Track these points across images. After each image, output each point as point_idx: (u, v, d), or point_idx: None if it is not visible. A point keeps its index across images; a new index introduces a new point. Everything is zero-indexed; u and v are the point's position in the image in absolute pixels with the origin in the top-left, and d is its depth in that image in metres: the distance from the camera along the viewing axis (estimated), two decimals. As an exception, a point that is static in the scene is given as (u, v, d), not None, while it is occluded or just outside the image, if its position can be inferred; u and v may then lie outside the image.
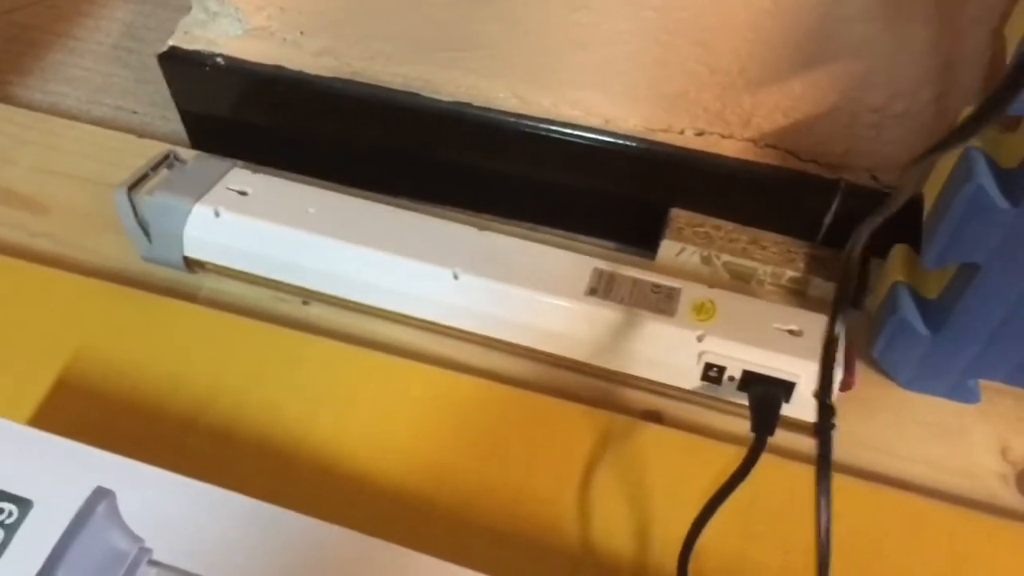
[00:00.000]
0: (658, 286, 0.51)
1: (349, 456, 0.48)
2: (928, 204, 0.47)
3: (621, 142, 0.57)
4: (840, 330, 0.41)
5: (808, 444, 0.50)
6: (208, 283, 0.57)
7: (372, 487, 0.47)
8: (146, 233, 0.55)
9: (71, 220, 0.61)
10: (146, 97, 0.72)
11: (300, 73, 0.60)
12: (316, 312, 0.56)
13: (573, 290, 0.51)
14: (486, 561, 0.39)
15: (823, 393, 0.41)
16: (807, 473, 0.46)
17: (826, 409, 0.41)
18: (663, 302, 0.50)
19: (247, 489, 0.44)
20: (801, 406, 0.48)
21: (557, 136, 0.58)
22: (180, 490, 0.41)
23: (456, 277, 0.51)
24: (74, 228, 0.60)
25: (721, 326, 0.49)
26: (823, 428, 0.41)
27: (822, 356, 0.41)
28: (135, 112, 0.71)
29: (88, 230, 0.60)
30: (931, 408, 0.52)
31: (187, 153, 0.59)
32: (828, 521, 0.40)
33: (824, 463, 0.40)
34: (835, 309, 0.41)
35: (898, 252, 0.52)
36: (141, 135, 0.66)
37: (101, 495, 0.39)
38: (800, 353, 0.47)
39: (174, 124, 0.67)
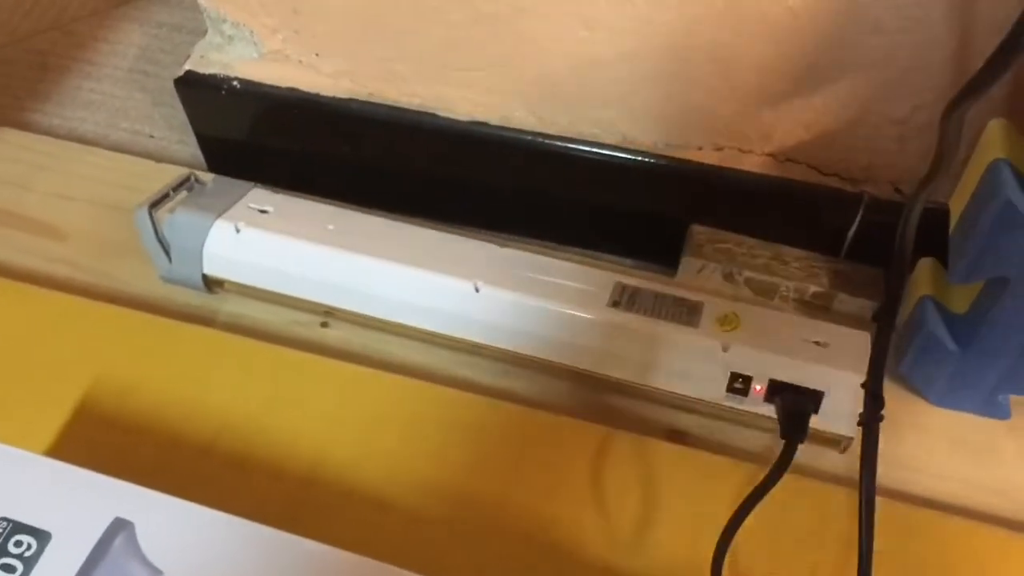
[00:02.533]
0: (680, 299, 0.51)
1: (367, 481, 0.48)
2: (954, 217, 0.46)
3: (639, 159, 0.56)
4: (896, 319, 0.39)
5: (837, 463, 0.49)
6: (226, 307, 0.57)
7: (391, 513, 0.46)
8: (166, 252, 0.55)
9: (89, 246, 0.61)
10: (163, 121, 0.72)
11: (316, 95, 0.60)
12: (334, 335, 0.56)
13: (595, 302, 0.50)
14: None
15: (873, 381, 0.39)
16: (836, 493, 0.47)
17: (875, 399, 0.39)
18: (687, 314, 0.50)
19: (264, 515, 0.43)
20: (830, 418, 0.47)
21: (575, 154, 0.57)
22: (200, 520, 0.40)
23: (477, 290, 0.51)
24: (92, 254, 0.60)
25: (746, 336, 0.48)
26: (870, 419, 0.39)
27: (875, 339, 0.39)
28: (152, 136, 0.71)
29: (106, 256, 0.60)
30: (961, 425, 0.51)
31: (207, 176, 0.58)
32: (870, 514, 0.39)
33: (869, 458, 0.38)
34: (890, 297, 0.38)
35: (924, 266, 0.51)
36: (159, 160, 0.66)
37: (120, 526, 0.39)
38: (829, 363, 0.47)
39: (192, 148, 0.67)
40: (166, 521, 0.40)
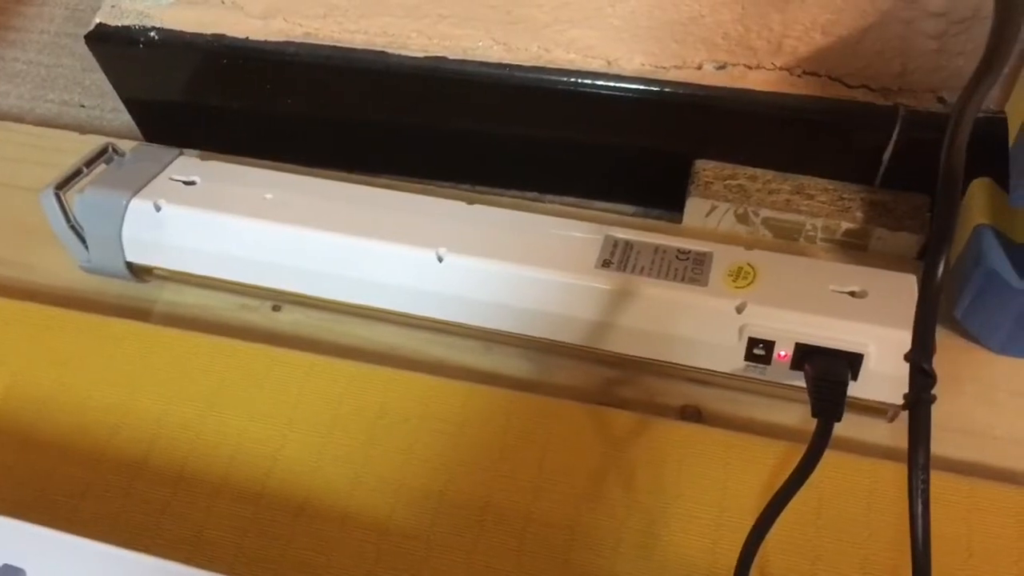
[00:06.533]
0: (684, 251, 0.45)
1: (326, 490, 0.43)
2: (1014, 127, 0.42)
3: (628, 86, 0.51)
4: (944, 265, 0.31)
5: (882, 432, 0.44)
6: (165, 295, 0.52)
7: (354, 526, 0.42)
8: (81, 239, 0.50)
9: (7, 235, 0.55)
10: (95, 87, 0.66)
11: (246, 41, 0.54)
12: (288, 318, 0.51)
13: (582, 263, 0.44)
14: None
15: (920, 353, 0.31)
16: (884, 470, 0.41)
17: (924, 376, 0.32)
18: (692, 270, 0.44)
19: (205, 535, 0.41)
20: (871, 384, 0.41)
21: (551, 87, 0.51)
22: (107, 564, 0.36)
23: (440, 259, 0.45)
24: (11, 244, 0.55)
25: (764, 292, 0.43)
26: (919, 400, 0.31)
27: (920, 303, 0.32)
28: (82, 106, 0.66)
29: (27, 245, 0.55)
30: None
31: (130, 146, 0.52)
32: (926, 528, 0.32)
33: (919, 447, 0.30)
34: (938, 237, 0.30)
35: (978, 188, 0.46)
36: (88, 131, 0.61)
37: (9, 575, 0.35)
38: (867, 318, 0.41)
39: (125, 116, 0.62)
40: (66, 566, 0.36)
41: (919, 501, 0.29)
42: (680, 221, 0.53)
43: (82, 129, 0.62)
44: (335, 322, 0.49)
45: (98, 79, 0.65)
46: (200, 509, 0.42)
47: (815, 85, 0.49)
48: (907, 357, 0.31)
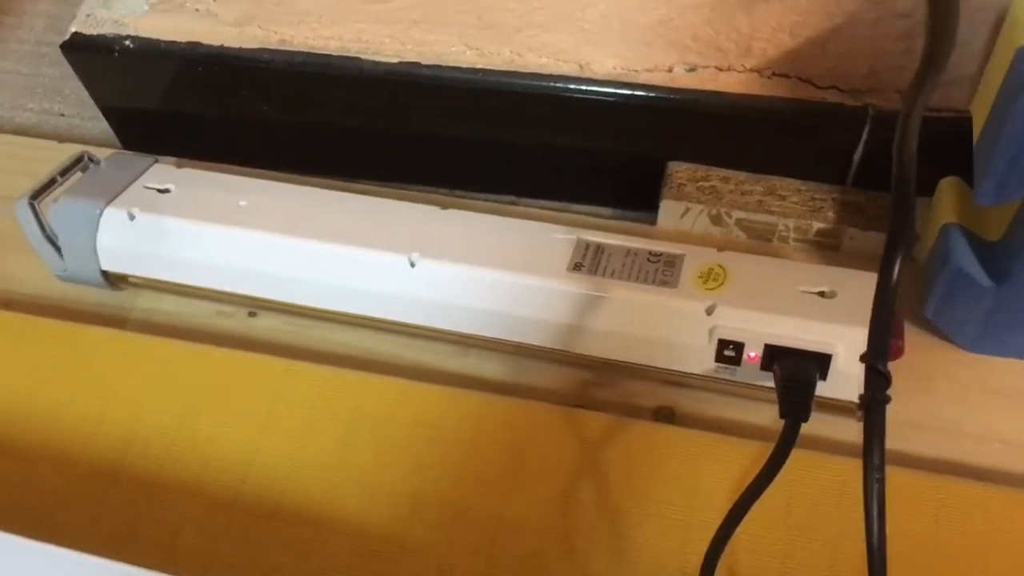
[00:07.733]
0: (656, 254, 0.45)
1: (300, 495, 0.43)
2: (978, 125, 0.41)
3: (600, 89, 0.51)
4: (900, 267, 0.31)
5: (852, 431, 0.43)
6: (141, 303, 0.52)
7: (328, 530, 0.42)
8: (56, 248, 0.49)
9: None
10: (74, 96, 0.66)
11: (221, 48, 0.54)
12: (264, 324, 0.51)
13: (553, 267, 0.44)
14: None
15: (875, 354, 0.32)
16: (854, 468, 0.40)
17: (879, 376, 0.32)
18: (663, 272, 0.44)
19: (180, 541, 0.41)
20: (840, 383, 0.41)
21: (524, 91, 0.51)
22: (78, 571, 0.36)
23: (412, 264, 0.45)
24: None
25: (734, 294, 0.42)
26: (873, 401, 0.32)
27: (875, 305, 0.32)
28: (62, 115, 0.65)
29: (3, 254, 0.55)
30: (1003, 373, 0.45)
31: (106, 154, 0.52)
32: (881, 528, 0.32)
33: (874, 448, 0.31)
34: (893, 239, 0.30)
35: (946, 187, 0.46)
36: (67, 140, 0.61)
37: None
38: (835, 318, 0.41)
39: (105, 124, 0.61)
40: (40, 575, 0.36)
41: (875, 501, 0.30)
42: (654, 223, 0.52)
43: (62, 138, 0.61)
44: (311, 327, 0.49)
45: (77, 88, 0.64)
46: (175, 515, 0.42)
47: (785, 86, 0.49)
48: (863, 358, 0.31)
